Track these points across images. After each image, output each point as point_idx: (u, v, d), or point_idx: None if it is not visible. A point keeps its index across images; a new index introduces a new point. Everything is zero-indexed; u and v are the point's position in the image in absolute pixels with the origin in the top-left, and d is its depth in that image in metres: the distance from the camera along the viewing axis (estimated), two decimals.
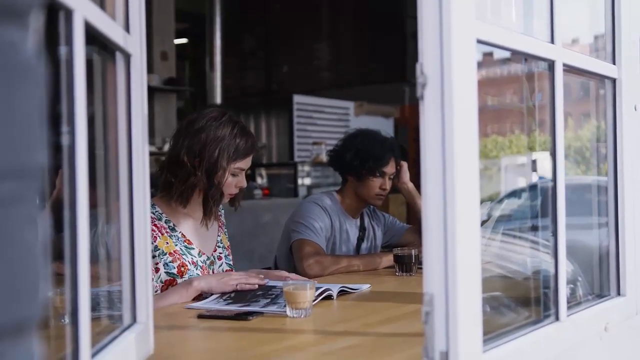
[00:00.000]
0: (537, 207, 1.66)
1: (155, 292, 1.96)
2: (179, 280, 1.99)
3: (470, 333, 1.03)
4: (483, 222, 1.69)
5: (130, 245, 1.19)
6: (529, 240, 1.73)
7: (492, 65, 1.50)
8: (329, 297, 1.88)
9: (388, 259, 2.48)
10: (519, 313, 1.46)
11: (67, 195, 0.86)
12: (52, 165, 0.79)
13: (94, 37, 0.97)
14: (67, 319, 0.89)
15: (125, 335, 1.13)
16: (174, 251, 2.02)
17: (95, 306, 0.99)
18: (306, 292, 1.64)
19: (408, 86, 7.85)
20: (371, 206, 2.79)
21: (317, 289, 1.79)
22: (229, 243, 2.26)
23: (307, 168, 6.82)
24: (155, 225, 2.01)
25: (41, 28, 0.63)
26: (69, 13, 0.84)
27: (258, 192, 6.05)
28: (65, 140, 0.85)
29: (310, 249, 2.47)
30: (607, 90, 1.64)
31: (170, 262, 2.00)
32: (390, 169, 2.65)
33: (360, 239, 2.75)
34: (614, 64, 1.62)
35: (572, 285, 1.51)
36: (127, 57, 1.17)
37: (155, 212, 2.05)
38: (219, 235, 2.20)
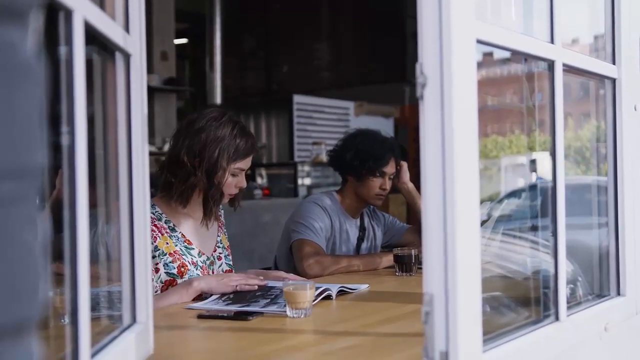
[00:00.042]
0: (537, 207, 1.66)
1: (155, 292, 1.96)
2: (179, 281, 1.99)
3: (470, 333, 1.03)
4: (483, 222, 1.69)
5: (130, 245, 1.19)
6: (529, 240, 1.73)
7: (492, 65, 1.50)
8: (329, 297, 1.88)
9: (388, 259, 2.48)
10: (518, 313, 1.46)
11: (67, 195, 0.86)
12: (52, 165, 0.79)
13: (93, 37, 0.97)
14: (66, 319, 0.89)
15: (125, 336, 1.13)
16: (174, 251, 2.02)
17: (95, 306, 0.99)
18: (306, 292, 1.64)
19: (408, 86, 7.85)
20: (371, 206, 2.79)
21: (317, 289, 1.79)
22: (228, 243, 2.26)
23: (307, 168, 6.82)
24: (155, 225, 2.01)
25: (41, 28, 0.63)
26: (68, 13, 0.84)
27: (258, 192, 6.05)
28: (65, 140, 0.85)
29: (310, 249, 2.47)
30: (607, 90, 1.64)
31: (170, 262, 2.00)
32: (390, 169, 2.65)
33: (360, 239, 2.75)
34: (614, 64, 1.62)
35: (572, 285, 1.51)
36: (127, 57, 1.17)
37: (155, 212, 2.05)
38: (218, 236, 2.20)
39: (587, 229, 1.71)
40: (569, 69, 1.40)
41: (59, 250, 0.85)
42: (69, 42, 0.85)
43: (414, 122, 6.52)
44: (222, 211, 2.29)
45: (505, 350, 1.15)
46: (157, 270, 1.98)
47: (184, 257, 2.04)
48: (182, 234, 2.07)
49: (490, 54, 1.30)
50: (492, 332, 1.14)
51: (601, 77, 1.62)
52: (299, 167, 6.75)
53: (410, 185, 2.77)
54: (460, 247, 1.00)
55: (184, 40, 9.59)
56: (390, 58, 8.45)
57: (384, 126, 7.02)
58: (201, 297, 1.88)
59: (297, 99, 7.87)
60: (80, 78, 0.86)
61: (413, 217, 3.34)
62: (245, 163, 2.09)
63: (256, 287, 1.92)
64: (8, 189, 0.57)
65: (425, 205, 1.02)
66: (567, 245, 1.35)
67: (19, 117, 0.58)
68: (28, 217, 0.59)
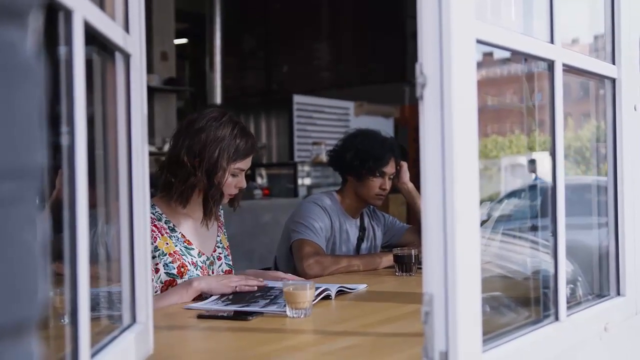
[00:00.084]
0: (537, 207, 1.66)
1: (155, 292, 1.96)
2: (179, 281, 1.99)
3: (469, 333, 1.03)
4: (483, 222, 1.69)
5: (130, 245, 1.19)
6: (529, 240, 1.73)
7: (492, 65, 1.49)
8: (328, 297, 1.88)
9: (388, 259, 2.48)
10: (518, 313, 1.45)
11: (66, 195, 0.86)
12: (51, 166, 0.79)
13: (93, 37, 0.97)
14: (66, 319, 0.89)
15: (124, 336, 1.13)
16: (174, 252, 2.02)
17: (95, 306, 0.99)
18: (306, 292, 1.64)
19: (408, 86, 7.85)
20: (371, 206, 2.79)
21: (316, 289, 1.79)
22: (228, 243, 2.26)
23: (307, 168, 6.82)
24: (155, 225, 2.01)
25: (41, 28, 0.63)
26: (68, 13, 0.84)
27: (258, 192, 6.05)
28: (65, 140, 0.85)
29: (310, 249, 2.47)
30: (607, 90, 1.64)
31: (170, 262, 2.00)
32: (390, 169, 2.65)
33: (360, 239, 2.75)
34: (614, 64, 1.62)
35: (572, 285, 1.51)
36: (127, 57, 1.17)
37: (155, 212, 2.05)
38: (218, 236, 2.20)
39: (587, 229, 1.71)
40: (568, 69, 1.40)
41: (59, 250, 0.85)
42: (69, 42, 0.85)
43: (414, 122, 6.52)
44: (222, 211, 2.29)
45: (505, 350, 1.15)
46: (157, 270, 1.98)
47: (183, 257, 2.04)
48: (182, 234, 2.07)
49: (490, 54, 1.30)
50: (492, 332, 1.14)
51: (601, 77, 1.62)
52: (299, 167, 6.75)
53: (410, 185, 2.78)
54: (460, 247, 1.00)
55: (184, 40, 9.60)
56: (390, 58, 8.46)
57: (384, 126, 7.02)
58: (201, 297, 1.89)
59: (297, 99, 7.87)
60: (80, 78, 0.86)
61: (413, 217, 3.35)
62: (245, 163, 2.09)
63: (255, 287, 1.92)
64: (8, 189, 0.57)
65: (425, 205, 1.02)
66: (567, 245, 1.35)
67: (19, 117, 0.58)
68: (28, 217, 0.59)
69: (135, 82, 1.19)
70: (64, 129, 0.86)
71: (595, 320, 1.49)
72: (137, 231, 1.20)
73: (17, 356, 0.57)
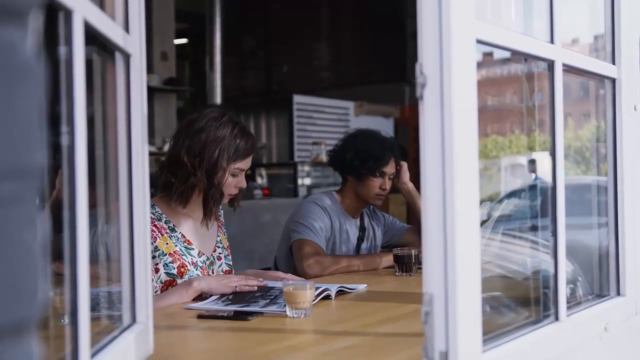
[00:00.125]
0: (537, 207, 1.66)
1: (155, 292, 1.96)
2: (179, 281, 1.99)
3: (469, 333, 1.03)
4: (483, 222, 1.69)
5: (130, 245, 1.19)
6: (529, 240, 1.73)
7: (492, 65, 1.50)
8: (328, 297, 1.88)
9: (388, 259, 2.48)
10: (518, 313, 1.45)
11: (66, 196, 0.86)
12: (51, 166, 0.79)
13: (93, 37, 0.97)
14: (66, 319, 0.89)
15: (124, 336, 1.13)
16: (174, 252, 2.02)
17: (95, 306, 0.99)
18: (306, 292, 1.64)
19: (408, 86, 7.85)
20: (371, 206, 2.79)
21: (316, 289, 1.79)
22: (228, 243, 2.26)
23: (307, 168, 6.82)
24: (155, 225, 2.01)
25: (40, 28, 0.63)
26: (68, 13, 0.84)
27: (258, 192, 6.05)
28: (64, 140, 0.85)
29: (310, 249, 2.47)
30: (607, 90, 1.64)
31: (170, 262, 2.00)
32: (390, 169, 2.65)
33: (360, 239, 2.75)
34: (614, 64, 1.62)
35: (572, 285, 1.51)
36: (127, 57, 1.17)
37: (155, 212, 2.05)
38: (218, 236, 2.20)
39: (587, 229, 1.71)
40: (568, 69, 1.40)
41: (59, 250, 0.85)
42: (69, 42, 0.85)
43: (414, 122, 6.52)
44: (222, 211, 2.29)
45: (505, 350, 1.15)
46: (157, 270, 1.98)
47: (183, 257, 2.04)
48: (182, 234, 2.07)
49: (490, 54, 1.30)
50: (492, 332, 1.14)
51: (601, 77, 1.62)
52: (299, 167, 6.75)
53: (410, 185, 2.78)
54: (460, 247, 1.00)
55: (184, 40, 9.60)
56: (390, 58, 8.46)
57: (384, 126, 7.02)
58: (201, 297, 1.89)
59: (297, 99, 7.87)
60: (80, 78, 0.86)
61: (413, 217, 3.35)
62: (245, 163, 2.09)
63: (255, 288, 1.92)
64: (8, 189, 0.57)
65: (425, 205, 1.02)
66: (567, 245, 1.35)
67: (19, 117, 0.58)
68: (28, 217, 0.59)
69: (135, 82, 1.19)
70: (64, 129, 0.86)
71: (595, 320, 1.49)
72: (137, 231, 1.20)
73: (17, 356, 0.57)
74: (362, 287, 2.08)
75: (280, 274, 2.19)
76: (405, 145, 5.84)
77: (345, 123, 7.93)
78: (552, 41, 1.34)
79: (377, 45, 8.71)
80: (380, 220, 2.86)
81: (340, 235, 2.67)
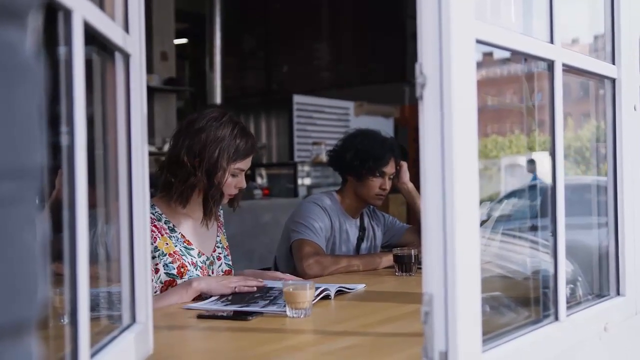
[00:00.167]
0: (537, 207, 1.66)
1: (155, 292, 1.96)
2: (179, 281, 1.99)
3: (469, 333, 1.03)
4: (483, 222, 1.69)
5: (130, 245, 1.19)
6: (529, 240, 1.73)
7: (492, 65, 1.50)
8: (327, 297, 1.88)
9: (388, 259, 2.48)
10: (518, 313, 1.45)
11: (66, 196, 0.86)
12: (51, 166, 0.79)
13: (93, 37, 0.97)
14: (66, 319, 0.89)
15: (124, 336, 1.13)
16: (174, 252, 2.02)
17: (94, 306, 0.99)
18: (306, 292, 1.64)
19: (408, 86, 7.85)
20: (371, 206, 2.79)
21: (316, 289, 1.79)
22: (227, 243, 2.26)
23: (307, 168, 6.82)
24: (155, 226, 2.01)
25: (40, 28, 0.63)
26: (68, 13, 0.84)
27: (258, 192, 6.05)
28: (64, 140, 0.85)
29: (310, 249, 2.47)
30: (607, 90, 1.64)
31: (170, 262, 2.00)
32: (390, 169, 2.65)
33: (360, 239, 2.75)
34: (614, 64, 1.62)
35: (571, 285, 1.51)
36: (127, 57, 1.17)
37: (155, 212, 2.05)
38: (218, 236, 2.20)
39: (587, 229, 1.71)
40: (568, 69, 1.40)
41: (59, 250, 0.85)
42: (69, 42, 0.85)
43: (414, 122, 6.52)
44: (221, 211, 2.29)
45: (505, 350, 1.15)
46: (156, 270, 1.98)
47: (183, 257, 2.04)
48: (181, 235, 2.07)
49: (490, 54, 1.30)
50: (491, 332, 1.14)
51: (601, 77, 1.62)
52: (299, 167, 6.75)
53: (410, 185, 2.78)
54: (459, 247, 1.00)
55: (184, 40, 9.60)
56: (390, 58, 8.46)
57: (384, 126, 7.02)
58: (201, 297, 1.89)
59: (297, 99, 7.87)
60: (80, 78, 0.86)
61: (413, 217, 3.35)
62: (245, 163, 2.09)
63: (255, 288, 1.92)
64: (7, 189, 0.57)
65: (424, 205, 1.02)
66: (567, 245, 1.35)
67: (19, 117, 0.58)
68: (27, 217, 0.59)
69: (135, 82, 1.19)
70: (63, 128, 0.86)
71: (595, 320, 1.49)
72: (136, 231, 1.20)
73: (16, 356, 0.57)
74: (360, 286, 2.08)
75: (279, 274, 2.19)
76: (405, 145, 5.84)
77: (345, 123, 7.93)
78: (551, 41, 1.34)
79: (377, 45, 8.72)
80: (380, 220, 2.86)
81: (340, 235, 2.67)
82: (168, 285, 1.98)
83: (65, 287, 0.86)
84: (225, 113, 2.11)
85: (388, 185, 2.66)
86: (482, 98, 1.17)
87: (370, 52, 8.85)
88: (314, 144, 7.23)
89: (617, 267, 1.62)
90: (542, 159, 1.51)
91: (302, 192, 6.59)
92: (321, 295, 1.85)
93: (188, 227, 2.10)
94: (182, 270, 2.01)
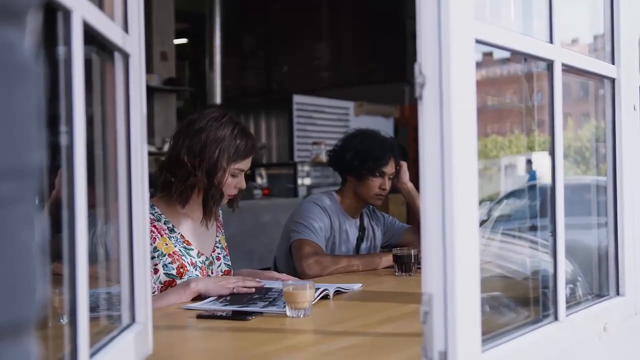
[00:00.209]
0: (537, 207, 1.66)
1: (153, 293, 1.96)
2: (178, 281, 1.99)
3: (469, 333, 1.03)
4: (482, 222, 1.68)
5: (129, 245, 1.19)
6: (529, 240, 1.73)
7: (492, 65, 1.49)
8: (325, 297, 1.89)
9: (387, 259, 2.48)
10: (518, 313, 1.45)
11: (65, 196, 0.86)
12: (51, 166, 0.79)
13: (92, 37, 0.97)
14: (65, 319, 0.89)
15: (124, 335, 1.13)
16: (173, 252, 2.02)
17: (94, 306, 0.99)
18: (306, 292, 1.64)
19: (408, 86, 7.85)
20: (371, 206, 2.79)
21: (316, 289, 1.80)
22: (226, 244, 2.26)
23: (307, 168, 6.82)
24: (154, 226, 2.01)
25: (39, 28, 0.63)
26: (67, 13, 0.84)
27: (258, 192, 6.05)
28: (63, 140, 0.85)
29: (309, 249, 2.47)
30: (606, 90, 1.64)
31: (169, 263, 2.00)
32: (389, 169, 2.65)
33: (359, 239, 2.75)
34: (613, 63, 1.62)
35: (571, 285, 1.51)
36: (126, 57, 1.17)
37: (155, 213, 2.05)
38: (217, 236, 2.20)
39: (586, 229, 1.71)
40: (568, 69, 1.40)
41: (58, 250, 0.85)
42: (68, 42, 0.85)
43: (414, 122, 6.51)
44: (221, 211, 2.29)
45: (504, 350, 1.15)
46: (156, 271, 1.98)
47: (183, 257, 2.04)
48: (181, 235, 2.07)
49: (490, 54, 1.30)
50: (491, 332, 1.14)
51: (600, 77, 1.62)
52: (299, 167, 6.75)
53: (410, 185, 2.78)
54: (459, 247, 1.00)
55: (183, 40, 9.60)
56: (390, 58, 8.46)
57: (384, 126, 7.02)
58: (200, 298, 1.88)
59: (297, 99, 7.87)
60: (79, 78, 0.86)
61: (413, 217, 3.35)
62: (245, 164, 2.09)
63: (253, 289, 1.92)
64: (7, 189, 0.57)
65: (424, 205, 1.02)
66: (567, 245, 1.35)
67: (18, 117, 0.58)
68: (27, 217, 0.59)
69: (134, 82, 1.19)
70: (63, 128, 0.86)
71: (595, 320, 1.49)
72: (136, 231, 1.20)
73: (15, 356, 0.57)
74: (357, 286, 2.08)
75: (275, 273, 2.20)
76: (405, 145, 5.84)
77: (345, 123, 7.93)
78: (551, 41, 1.34)
79: (377, 45, 8.71)
80: (380, 220, 2.86)
81: (340, 235, 2.67)
82: (167, 285, 1.98)
83: (65, 287, 0.86)
84: (225, 113, 2.11)
85: (388, 185, 2.66)
86: (482, 98, 1.17)
87: (370, 52, 8.85)
88: (314, 144, 7.23)
89: (617, 267, 1.62)
90: (542, 159, 1.51)
91: (302, 192, 6.59)
92: (320, 295, 1.85)
93: (187, 227, 2.10)
94: (181, 270, 2.01)
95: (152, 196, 2.03)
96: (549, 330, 1.31)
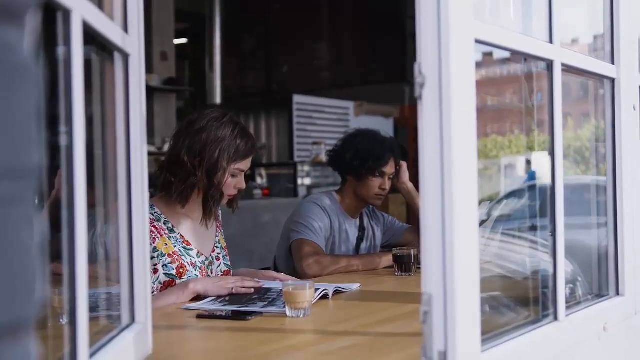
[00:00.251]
0: (537, 207, 1.66)
1: (153, 293, 1.96)
2: (178, 282, 1.99)
3: (468, 333, 1.03)
4: (482, 222, 1.69)
5: (129, 245, 1.19)
6: (528, 240, 1.73)
7: (492, 65, 1.49)
8: (325, 297, 1.89)
9: (387, 259, 2.48)
10: (518, 313, 1.45)
11: (65, 196, 0.86)
12: (51, 166, 0.79)
13: (92, 37, 0.97)
14: (65, 319, 0.89)
15: (123, 335, 1.13)
16: (173, 252, 2.02)
17: (93, 306, 0.99)
18: (305, 292, 1.64)
19: (408, 86, 7.85)
20: (370, 206, 2.79)
21: (316, 289, 1.80)
22: (225, 244, 2.26)
23: (307, 168, 6.82)
24: (154, 226, 2.01)
25: (39, 28, 0.63)
26: (66, 13, 0.84)
27: (258, 192, 6.05)
28: (63, 140, 0.85)
29: (309, 249, 2.47)
30: (606, 90, 1.64)
31: (169, 263, 2.00)
32: (389, 169, 2.65)
33: (359, 239, 2.75)
34: (613, 63, 1.62)
35: (571, 285, 1.51)
36: (126, 57, 1.17)
37: (154, 213, 2.05)
38: (217, 236, 2.20)
39: (586, 228, 1.71)
40: (568, 69, 1.40)
41: (58, 250, 0.85)
42: (67, 42, 0.85)
43: (414, 122, 6.50)
44: (220, 211, 2.29)
45: (504, 350, 1.15)
46: (155, 271, 1.98)
47: (183, 258, 2.03)
48: (180, 235, 2.07)
49: (490, 54, 1.30)
50: (491, 332, 1.14)
51: (600, 77, 1.62)
52: (299, 167, 6.75)
53: (410, 185, 2.78)
54: (459, 247, 1.00)
55: (183, 40, 9.59)
56: (390, 58, 8.46)
57: (384, 126, 7.03)
58: (199, 298, 1.88)
59: (297, 99, 7.87)
60: (79, 78, 0.86)
61: (413, 217, 3.35)
62: (245, 164, 2.09)
63: (252, 290, 1.92)
64: (7, 189, 0.57)
65: (423, 205, 1.02)
66: (567, 245, 1.35)
67: (18, 117, 0.58)
68: (26, 217, 0.59)
69: (134, 82, 1.19)
70: (62, 129, 0.86)
71: (594, 320, 1.49)
72: (136, 231, 1.20)
73: (14, 356, 0.57)
74: (355, 286, 2.08)
75: (273, 273, 2.20)
76: (405, 145, 5.84)
77: (345, 123, 7.93)
78: (551, 41, 1.34)
79: (377, 45, 8.71)
80: (380, 220, 2.86)
81: (340, 235, 2.67)
82: (167, 285, 1.98)
83: (65, 287, 0.86)
84: (225, 114, 2.11)
85: (388, 185, 2.66)
86: (482, 98, 1.17)
87: (370, 52, 8.85)
88: (314, 144, 7.23)
89: (617, 267, 1.62)
90: (542, 159, 1.51)
91: (302, 192, 6.59)
92: (320, 295, 1.86)
93: (187, 227, 2.10)
94: (181, 270, 2.01)
95: (152, 196, 2.03)
96: (549, 330, 1.31)
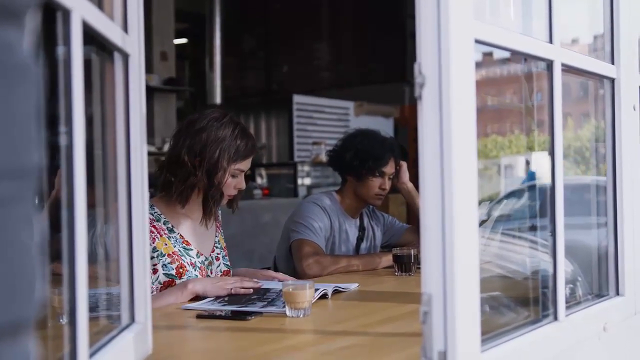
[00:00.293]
0: (536, 207, 1.66)
1: (152, 293, 1.96)
2: (178, 282, 1.99)
3: (468, 333, 1.03)
4: (482, 222, 1.69)
5: (129, 245, 1.19)
6: (528, 240, 1.73)
7: (492, 65, 1.49)
8: (324, 297, 1.89)
9: (387, 259, 2.48)
10: (517, 313, 1.45)
11: (65, 196, 0.86)
12: (50, 166, 0.79)
13: (92, 37, 0.97)
14: (65, 319, 0.89)
15: (123, 335, 1.13)
16: (173, 252, 2.02)
17: (93, 306, 0.99)
18: (305, 291, 1.64)
19: (408, 86, 7.85)
20: (370, 206, 2.79)
21: (316, 289, 1.80)
22: (225, 244, 2.26)
23: (307, 168, 6.82)
24: (153, 226, 2.01)
25: (38, 28, 0.63)
26: (66, 13, 0.84)
27: (258, 192, 6.05)
28: (63, 140, 0.85)
29: (309, 249, 2.47)
30: (606, 90, 1.64)
31: (168, 263, 2.00)
32: (389, 169, 2.65)
33: (359, 239, 2.75)
34: (613, 63, 1.62)
35: (571, 285, 1.51)
36: (125, 57, 1.17)
37: (154, 213, 2.05)
38: (216, 236, 2.20)
39: (586, 228, 1.71)
40: (567, 69, 1.40)
41: (58, 250, 0.85)
42: (67, 42, 0.85)
43: (414, 122, 6.51)
44: (220, 212, 2.29)
45: (504, 350, 1.15)
46: (155, 271, 1.98)
47: (182, 258, 2.03)
48: (180, 235, 2.07)
49: (490, 54, 1.30)
50: (490, 332, 1.14)
51: (600, 77, 1.62)
52: (299, 167, 6.75)
53: (410, 185, 2.78)
54: (458, 247, 1.00)
55: (183, 40, 9.59)
56: (390, 58, 8.46)
57: (384, 126, 7.02)
58: (198, 298, 1.88)
59: (297, 99, 7.87)
60: (79, 78, 0.86)
61: (413, 217, 3.35)
62: (245, 164, 2.09)
63: (251, 290, 1.92)
64: (6, 189, 0.57)
65: (423, 205, 1.02)
66: (567, 245, 1.35)
67: (17, 117, 0.58)
68: (26, 217, 0.59)
69: (134, 82, 1.19)
70: (62, 128, 0.86)
71: (594, 320, 1.49)
72: (135, 231, 1.20)
73: (14, 356, 0.57)
74: (353, 286, 2.09)
75: (272, 272, 2.20)
76: (405, 145, 5.84)
77: (345, 123, 7.92)
78: (551, 41, 1.34)
79: (377, 45, 8.71)
80: (380, 220, 2.86)
81: (340, 235, 2.67)
82: (167, 285, 1.98)
83: (64, 287, 0.86)
84: (226, 114, 2.11)
85: (388, 185, 2.66)
86: (482, 98, 1.17)
87: (370, 52, 8.85)
88: (314, 144, 7.23)
89: (617, 267, 1.62)
90: (542, 159, 1.51)
91: (302, 192, 6.59)
92: (320, 294, 1.86)
93: (187, 227, 2.10)
94: (180, 270, 2.01)
95: (152, 196, 2.03)
96: (549, 330, 1.31)
